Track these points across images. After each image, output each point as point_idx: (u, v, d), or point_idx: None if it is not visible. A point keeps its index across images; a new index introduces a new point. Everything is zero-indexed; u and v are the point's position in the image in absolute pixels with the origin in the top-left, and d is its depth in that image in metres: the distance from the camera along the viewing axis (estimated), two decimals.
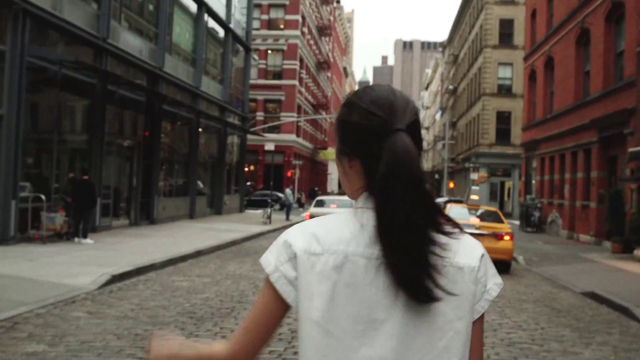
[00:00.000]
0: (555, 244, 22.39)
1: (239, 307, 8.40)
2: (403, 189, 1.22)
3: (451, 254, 1.28)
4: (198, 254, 14.79)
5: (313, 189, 57.21)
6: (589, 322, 8.64)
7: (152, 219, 21.96)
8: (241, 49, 34.91)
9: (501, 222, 14.74)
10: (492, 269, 1.38)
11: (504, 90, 47.67)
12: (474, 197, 15.72)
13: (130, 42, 19.70)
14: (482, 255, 1.35)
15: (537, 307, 9.62)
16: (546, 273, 14.24)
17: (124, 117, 20.68)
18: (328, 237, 1.28)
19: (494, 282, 1.37)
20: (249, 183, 47.64)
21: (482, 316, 1.35)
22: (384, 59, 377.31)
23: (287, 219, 28.87)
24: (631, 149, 17.04)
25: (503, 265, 14.22)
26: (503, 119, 47.58)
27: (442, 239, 1.28)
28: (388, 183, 1.22)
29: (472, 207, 15.70)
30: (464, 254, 1.31)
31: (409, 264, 1.21)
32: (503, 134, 47.45)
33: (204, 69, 27.40)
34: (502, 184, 48.80)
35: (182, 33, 25.62)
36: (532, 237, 24.57)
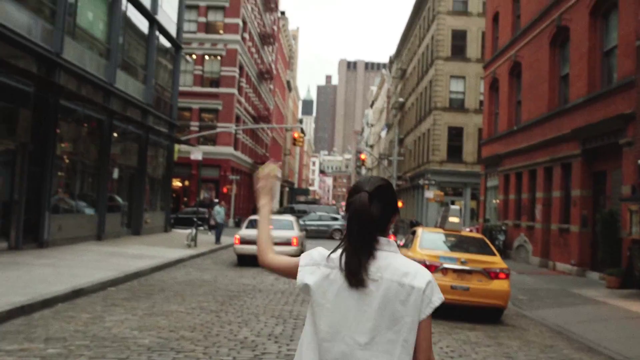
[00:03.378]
0: (532, 274, 19.05)
1: None
2: (357, 228, 2.17)
3: (410, 277, 2.14)
4: (76, 294, 10.54)
5: (257, 207, 52.78)
6: None
7: (41, 242, 17.43)
8: (172, 47, 30.73)
9: (491, 253, 11.07)
10: (436, 289, 2.16)
11: (456, 105, 45.03)
12: (454, 219, 12.02)
13: (12, 15, 15.28)
14: (429, 281, 2.15)
15: None
16: (549, 321, 10.67)
17: (1, 111, 16.15)
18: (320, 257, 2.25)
19: (438, 297, 2.15)
20: (216, 200, 42.06)
21: (429, 317, 2.13)
22: (328, 78, 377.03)
23: (217, 241, 24.58)
24: None
25: (494, 314, 10.59)
26: (454, 135, 44.90)
27: (379, 256, 2.18)
28: (350, 224, 2.20)
29: (452, 233, 11.96)
30: (418, 278, 2.14)
31: (352, 269, 2.14)
32: (454, 151, 44.77)
33: (120, 63, 23.08)
34: (452, 203, 45.87)
35: (90, 16, 21.26)
36: None
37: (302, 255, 2.27)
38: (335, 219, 38.25)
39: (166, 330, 7.93)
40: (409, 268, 2.15)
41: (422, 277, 2.13)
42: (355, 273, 2.11)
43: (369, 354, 2.08)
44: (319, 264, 2.20)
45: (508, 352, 7.95)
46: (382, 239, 2.20)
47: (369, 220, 2.14)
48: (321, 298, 2.15)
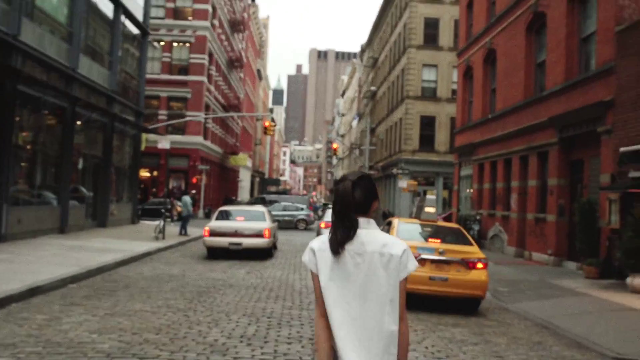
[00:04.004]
0: (509, 264, 18.78)
1: None
2: (340, 209, 2.61)
3: (389, 247, 2.58)
4: (32, 293, 9.79)
5: (229, 198, 51.83)
6: None
7: None
8: (139, 33, 29.68)
9: (469, 243, 10.67)
10: (411, 256, 2.62)
11: (428, 94, 44.71)
12: (430, 209, 11.58)
13: None
14: (405, 250, 2.61)
15: None
16: (533, 315, 10.28)
17: None
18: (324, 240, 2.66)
19: (412, 263, 2.61)
20: (194, 191, 41.99)
21: (404, 280, 2.59)
22: (299, 67, 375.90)
23: (184, 232, 23.75)
24: (623, 149, 13.52)
25: (471, 304, 10.27)
26: (426, 124, 44.57)
27: (361, 234, 2.58)
28: (335, 206, 2.64)
29: (428, 224, 11.50)
30: (395, 247, 2.59)
31: (335, 246, 2.57)
32: (427, 140, 44.47)
33: (83, 48, 22.09)
34: (424, 193, 45.66)
35: None
36: None
37: (304, 261, 2.72)
38: (301, 209, 37.57)
39: (129, 333, 7.28)
40: (387, 240, 2.61)
41: (398, 246, 2.60)
42: (337, 243, 2.55)
43: (364, 313, 2.51)
44: (314, 252, 2.64)
45: (497, 350, 7.48)
46: (362, 220, 2.61)
47: (350, 202, 2.59)
48: (322, 276, 2.58)
